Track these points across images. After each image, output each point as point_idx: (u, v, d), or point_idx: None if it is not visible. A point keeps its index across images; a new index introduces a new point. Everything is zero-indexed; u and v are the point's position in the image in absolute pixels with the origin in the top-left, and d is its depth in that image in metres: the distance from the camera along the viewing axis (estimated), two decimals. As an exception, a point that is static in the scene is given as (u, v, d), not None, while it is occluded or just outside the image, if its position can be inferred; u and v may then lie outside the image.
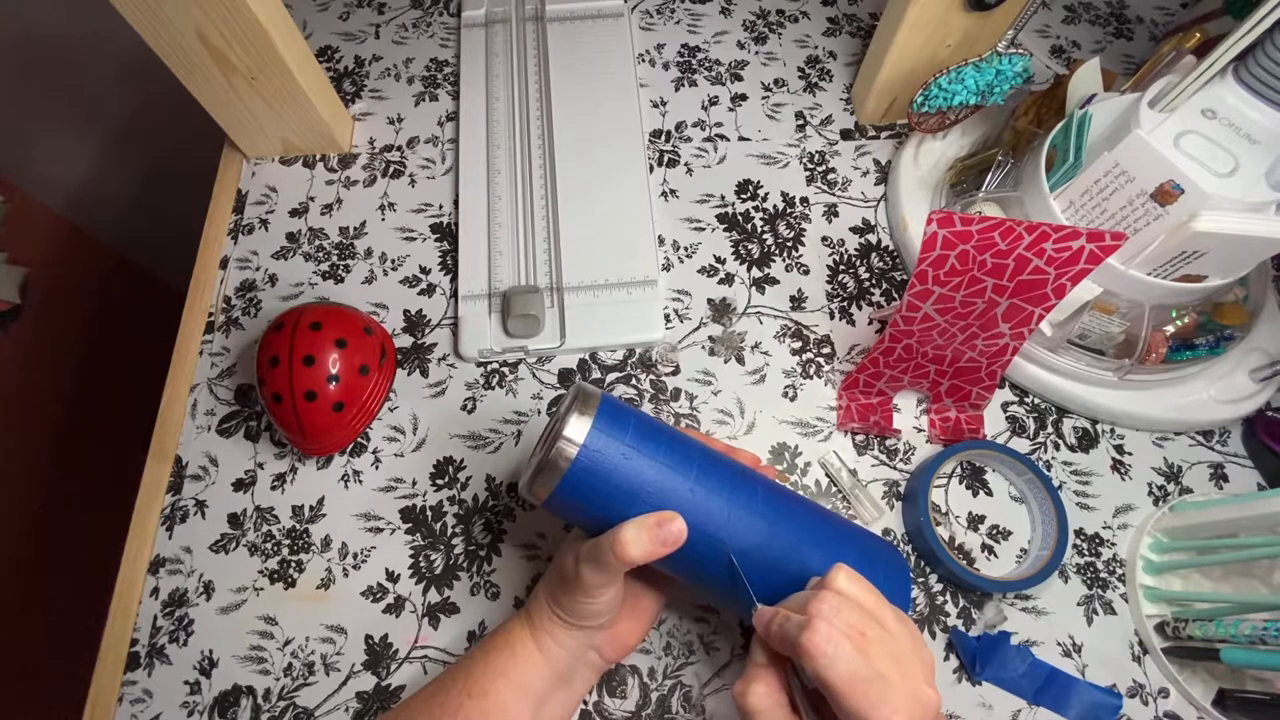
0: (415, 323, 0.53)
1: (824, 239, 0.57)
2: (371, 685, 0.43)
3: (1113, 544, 0.47)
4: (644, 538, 0.32)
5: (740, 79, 0.64)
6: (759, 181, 0.59)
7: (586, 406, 0.34)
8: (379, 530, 0.47)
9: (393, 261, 0.56)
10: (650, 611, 0.41)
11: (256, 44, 0.48)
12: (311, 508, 0.48)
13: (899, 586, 0.36)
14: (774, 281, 0.55)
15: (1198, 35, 0.47)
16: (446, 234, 0.56)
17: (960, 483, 0.49)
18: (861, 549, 0.37)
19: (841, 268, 0.56)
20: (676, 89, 0.63)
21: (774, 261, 0.56)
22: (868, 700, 0.27)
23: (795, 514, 0.36)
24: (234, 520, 0.47)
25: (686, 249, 0.56)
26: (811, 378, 0.52)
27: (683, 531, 0.33)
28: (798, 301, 0.54)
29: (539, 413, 0.50)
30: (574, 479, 0.33)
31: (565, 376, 0.52)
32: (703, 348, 0.53)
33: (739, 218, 0.57)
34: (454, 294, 0.54)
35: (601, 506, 0.34)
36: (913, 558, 0.47)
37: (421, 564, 0.46)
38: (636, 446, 0.34)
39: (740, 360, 0.52)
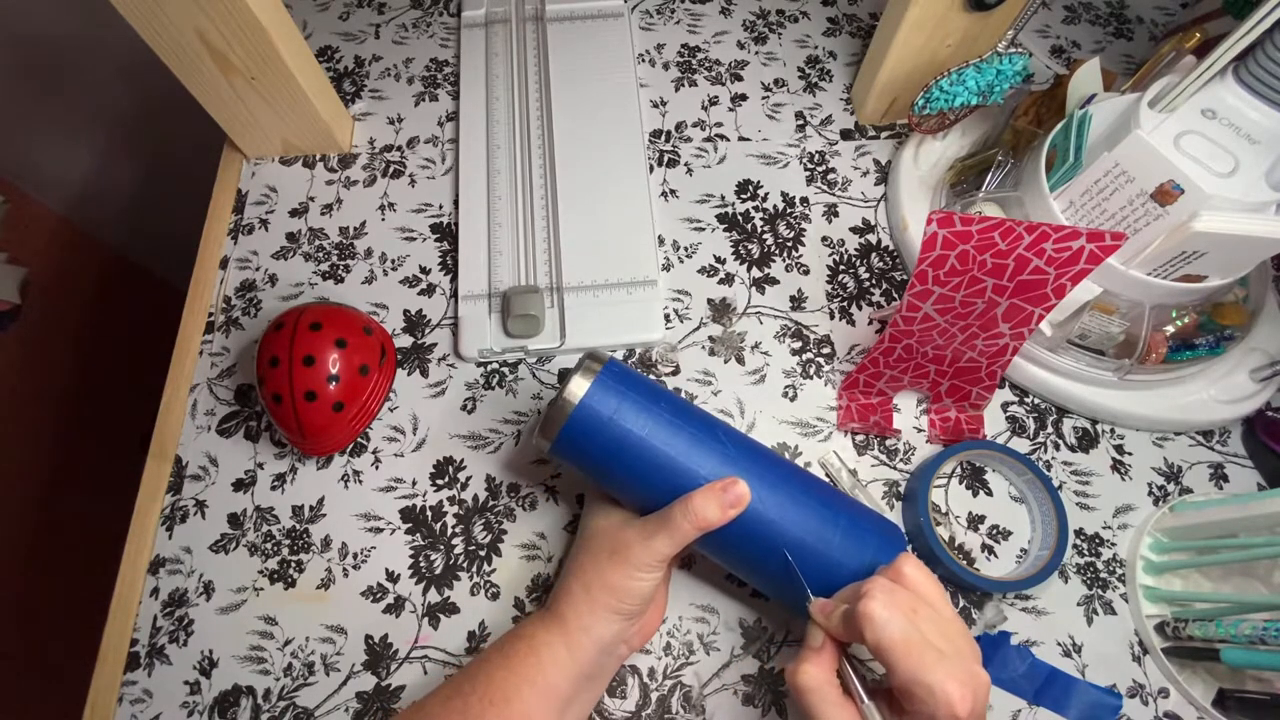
0: (415, 323, 0.53)
1: (824, 239, 0.57)
2: (371, 685, 0.43)
3: (1113, 544, 0.47)
4: (712, 502, 0.35)
5: (740, 79, 0.64)
6: (759, 181, 0.59)
7: (595, 362, 0.38)
8: (379, 530, 0.47)
9: (393, 261, 0.56)
10: (665, 599, 0.42)
11: (256, 44, 0.48)
12: (311, 508, 0.48)
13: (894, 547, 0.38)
14: (774, 281, 0.55)
15: (1198, 35, 0.46)
16: (446, 234, 0.56)
17: (960, 483, 0.49)
18: (851, 505, 0.39)
19: (841, 268, 0.56)
20: (676, 89, 0.63)
21: (774, 261, 0.56)
22: (923, 663, 0.28)
23: (793, 473, 0.39)
24: (234, 520, 0.47)
25: (686, 249, 0.56)
26: (811, 378, 0.52)
27: (746, 493, 0.35)
28: (798, 301, 0.54)
29: (539, 412, 0.50)
30: (583, 413, 0.37)
31: (565, 377, 0.52)
32: (703, 348, 0.53)
33: (739, 218, 0.57)
34: (454, 294, 0.54)
35: (609, 441, 0.37)
36: (913, 558, 0.47)
37: (421, 564, 0.46)
38: (641, 392, 0.38)
39: (740, 360, 0.52)
